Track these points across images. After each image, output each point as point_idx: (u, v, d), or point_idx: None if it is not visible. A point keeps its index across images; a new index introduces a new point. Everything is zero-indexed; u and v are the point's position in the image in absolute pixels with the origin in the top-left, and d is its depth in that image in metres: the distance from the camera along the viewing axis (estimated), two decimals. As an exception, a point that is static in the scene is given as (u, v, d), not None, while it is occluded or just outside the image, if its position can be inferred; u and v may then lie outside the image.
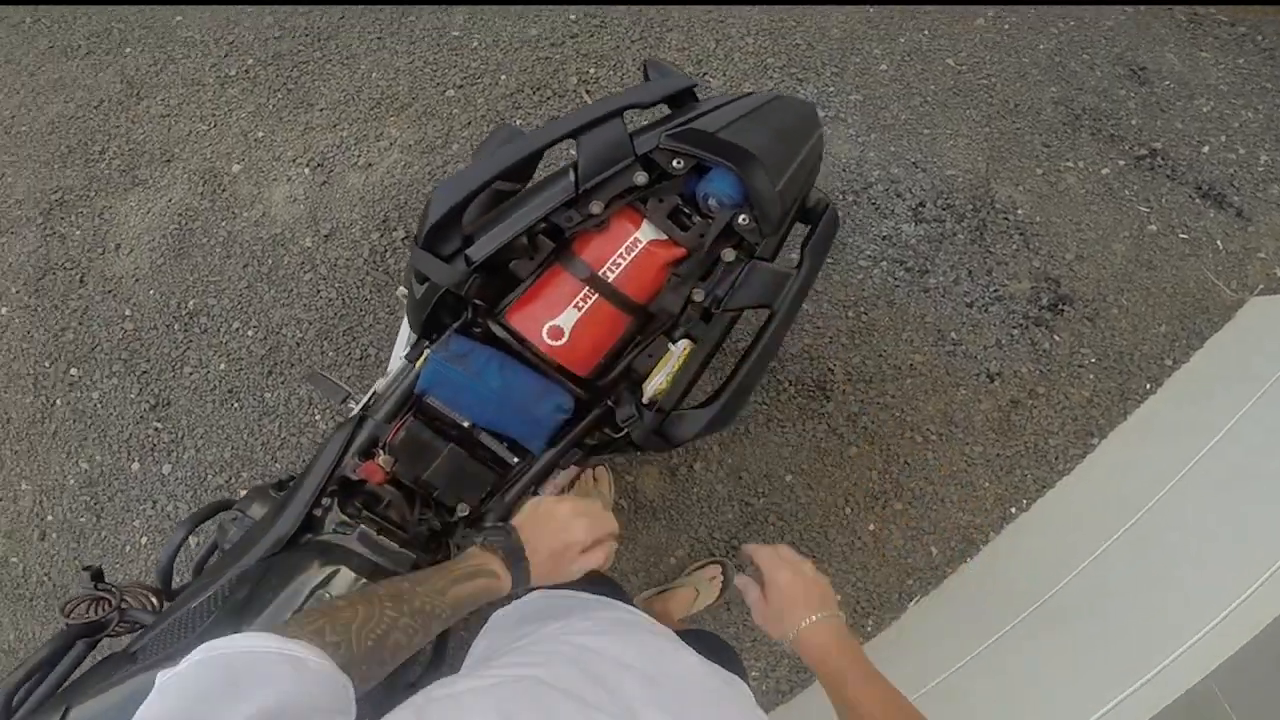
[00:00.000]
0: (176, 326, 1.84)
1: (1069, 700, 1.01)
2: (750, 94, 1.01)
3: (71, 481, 1.76)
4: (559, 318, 0.94)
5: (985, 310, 1.75)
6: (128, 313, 1.86)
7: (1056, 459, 1.66)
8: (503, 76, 1.98)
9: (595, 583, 0.88)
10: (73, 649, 0.92)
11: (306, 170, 1.94)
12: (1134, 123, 1.85)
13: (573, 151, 0.91)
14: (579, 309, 0.94)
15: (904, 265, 1.77)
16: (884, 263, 1.78)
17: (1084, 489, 1.60)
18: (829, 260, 1.78)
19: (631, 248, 0.94)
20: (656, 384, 0.95)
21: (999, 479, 1.66)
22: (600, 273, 0.94)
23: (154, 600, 0.97)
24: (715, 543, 1.66)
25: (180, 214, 1.93)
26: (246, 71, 2.04)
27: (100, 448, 1.77)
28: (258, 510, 1.02)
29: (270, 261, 1.87)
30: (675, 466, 1.69)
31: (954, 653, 1.32)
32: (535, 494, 1.06)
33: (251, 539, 0.95)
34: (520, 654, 0.60)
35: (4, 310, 1.90)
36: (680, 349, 0.95)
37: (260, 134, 1.99)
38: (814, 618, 0.68)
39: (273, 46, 2.06)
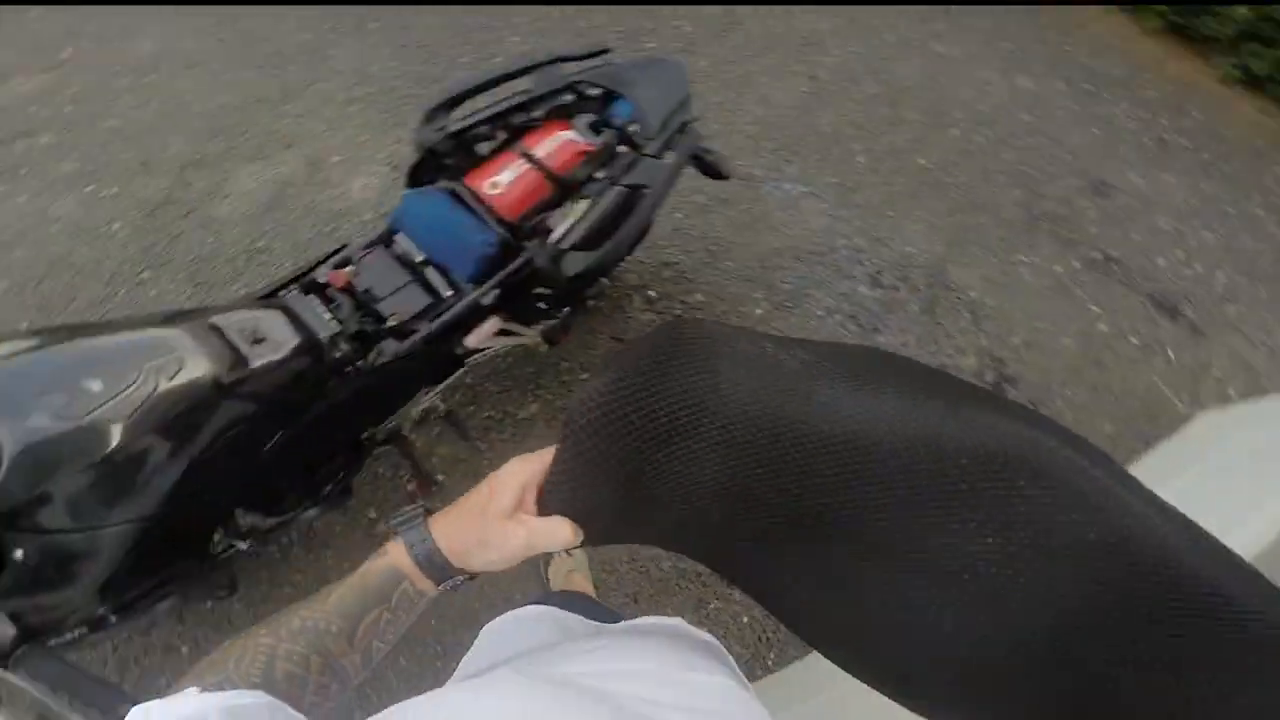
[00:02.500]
0: (241, 260, 2.22)
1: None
2: (642, 60, 1.43)
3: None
4: (499, 176, 1.27)
5: (930, 377, 1.82)
6: (210, 240, 2.27)
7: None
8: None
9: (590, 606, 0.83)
10: None
11: (386, 169, 2.40)
12: (1092, 230, 2.02)
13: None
14: (514, 173, 1.28)
15: (856, 320, 1.93)
16: (838, 315, 1.95)
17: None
18: (788, 304, 1.97)
19: (557, 139, 1.33)
20: (560, 229, 1.20)
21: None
22: (533, 151, 1.29)
23: None
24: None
25: (282, 183, 2.40)
26: (367, 95, 2.62)
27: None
28: None
29: (332, 226, 2.27)
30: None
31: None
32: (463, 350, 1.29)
33: None
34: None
35: (117, 225, 2.34)
36: (581, 206, 1.21)
37: (362, 139, 2.50)
38: None
39: (390, 81, 2.66)
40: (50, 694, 0.74)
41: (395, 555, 0.51)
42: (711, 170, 1.47)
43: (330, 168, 2.42)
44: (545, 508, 0.53)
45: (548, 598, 0.85)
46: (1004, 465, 0.49)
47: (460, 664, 0.74)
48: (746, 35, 2.68)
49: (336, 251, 1.31)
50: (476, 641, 0.77)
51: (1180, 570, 0.48)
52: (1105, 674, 0.50)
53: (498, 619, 0.78)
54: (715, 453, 0.52)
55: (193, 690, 0.42)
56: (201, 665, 0.46)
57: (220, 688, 0.43)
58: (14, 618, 0.83)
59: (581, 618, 0.77)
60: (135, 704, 0.41)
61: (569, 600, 0.86)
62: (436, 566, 0.51)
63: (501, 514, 0.51)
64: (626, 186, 1.25)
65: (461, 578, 0.52)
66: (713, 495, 0.54)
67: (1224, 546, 0.50)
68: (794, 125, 2.36)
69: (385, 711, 0.41)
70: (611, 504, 0.53)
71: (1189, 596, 0.48)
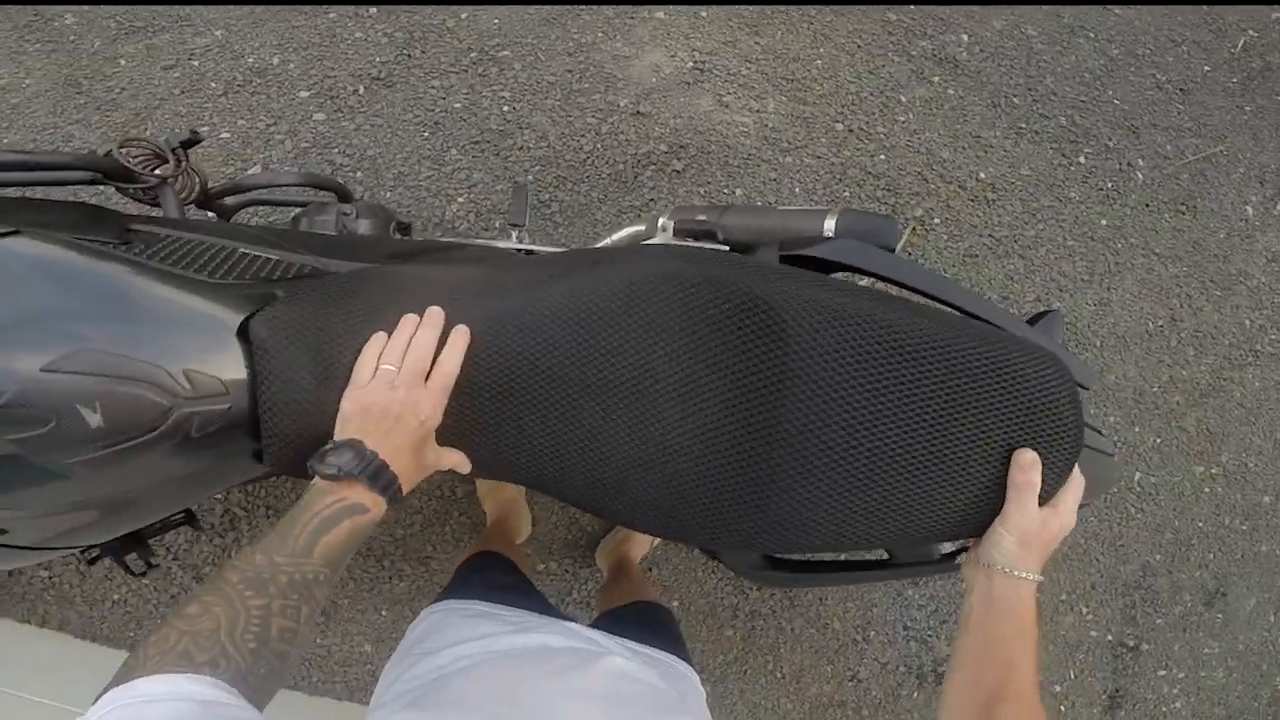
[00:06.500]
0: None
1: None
2: None
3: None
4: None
5: None
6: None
7: None
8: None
9: (519, 593, 0.86)
10: (77, 174, 0.80)
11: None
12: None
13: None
14: None
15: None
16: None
17: None
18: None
19: None
20: None
21: None
22: None
23: (198, 192, 0.92)
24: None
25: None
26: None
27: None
28: (365, 226, 1.02)
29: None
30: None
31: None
32: None
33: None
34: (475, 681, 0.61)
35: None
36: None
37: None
38: (1037, 575, 0.62)
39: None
40: None
41: (371, 500, 0.56)
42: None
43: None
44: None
45: (472, 584, 0.87)
46: (643, 285, 0.62)
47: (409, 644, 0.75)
48: None
49: None
50: (419, 630, 0.78)
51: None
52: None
53: (441, 613, 0.78)
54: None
55: (181, 678, 0.40)
56: (175, 637, 0.43)
57: (216, 665, 0.42)
58: None
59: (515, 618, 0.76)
60: None
61: (492, 580, 0.91)
62: (395, 497, 0.58)
63: (430, 437, 0.62)
64: None
65: (401, 497, 0.59)
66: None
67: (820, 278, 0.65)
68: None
69: None
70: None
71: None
